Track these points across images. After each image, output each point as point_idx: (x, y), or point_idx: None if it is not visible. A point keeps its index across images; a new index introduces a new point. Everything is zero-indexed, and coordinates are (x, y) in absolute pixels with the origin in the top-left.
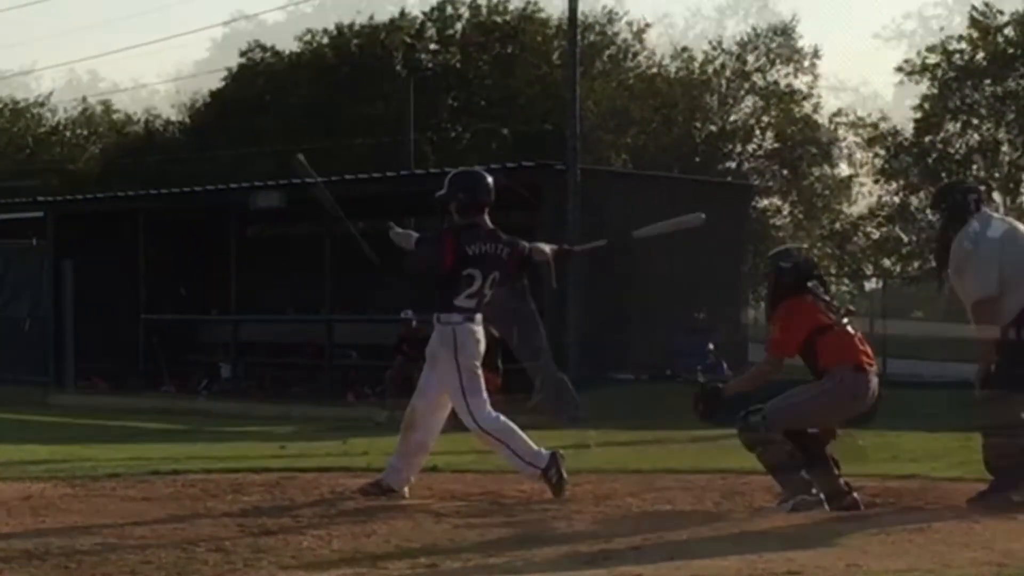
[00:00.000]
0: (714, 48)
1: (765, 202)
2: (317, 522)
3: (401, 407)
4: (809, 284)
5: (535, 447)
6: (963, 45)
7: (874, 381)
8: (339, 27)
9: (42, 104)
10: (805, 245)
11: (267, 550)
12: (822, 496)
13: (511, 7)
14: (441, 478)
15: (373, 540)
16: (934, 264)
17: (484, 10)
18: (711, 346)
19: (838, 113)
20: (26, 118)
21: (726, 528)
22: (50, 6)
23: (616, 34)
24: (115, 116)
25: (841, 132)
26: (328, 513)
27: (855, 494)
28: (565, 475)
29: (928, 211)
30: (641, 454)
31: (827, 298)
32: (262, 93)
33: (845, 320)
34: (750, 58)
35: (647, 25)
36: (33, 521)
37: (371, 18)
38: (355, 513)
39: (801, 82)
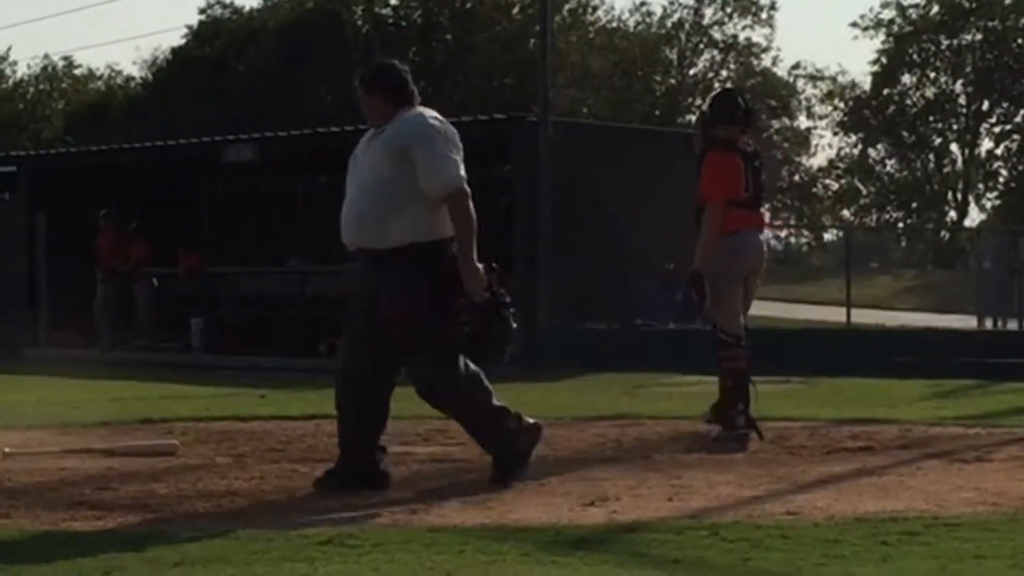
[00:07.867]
0: (672, 3)
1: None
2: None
3: None
4: None
5: None
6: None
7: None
8: None
9: (3, 59)
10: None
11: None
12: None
13: None
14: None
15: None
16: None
17: None
18: (680, 297)
19: (796, 66)
20: None
21: (721, 470)
22: None
23: None
24: (77, 71)
25: (800, 85)
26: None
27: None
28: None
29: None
30: (619, 400)
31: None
32: (224, 49)
33: None
34: (708, 11)
35: None
36: (38, 466)
37: None
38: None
39: (759, 35)
